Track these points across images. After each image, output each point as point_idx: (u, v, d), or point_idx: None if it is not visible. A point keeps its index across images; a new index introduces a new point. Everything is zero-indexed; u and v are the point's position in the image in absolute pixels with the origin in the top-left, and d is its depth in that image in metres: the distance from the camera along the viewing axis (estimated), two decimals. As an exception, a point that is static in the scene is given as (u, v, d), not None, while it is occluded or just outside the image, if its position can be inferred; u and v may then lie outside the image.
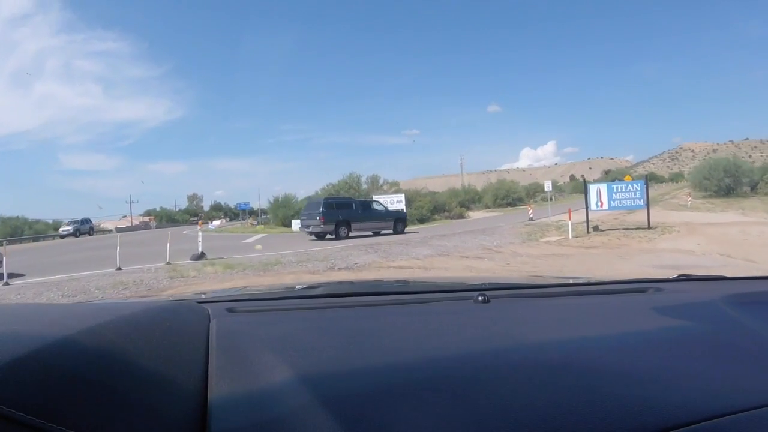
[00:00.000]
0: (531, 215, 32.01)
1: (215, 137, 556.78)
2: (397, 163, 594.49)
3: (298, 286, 2.68)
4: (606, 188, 21.67)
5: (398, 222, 29.37)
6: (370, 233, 27.87)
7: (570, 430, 0.83)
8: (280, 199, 51.39)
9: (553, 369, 1.07)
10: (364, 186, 47.68)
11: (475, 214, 50.11)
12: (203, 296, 2.04)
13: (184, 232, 17.75)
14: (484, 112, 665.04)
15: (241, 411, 0.86)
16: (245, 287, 4.20)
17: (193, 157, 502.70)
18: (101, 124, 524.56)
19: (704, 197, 46.50)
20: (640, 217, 24.73)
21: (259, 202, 73.47)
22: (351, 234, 26.59)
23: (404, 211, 34.45)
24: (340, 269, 13.17)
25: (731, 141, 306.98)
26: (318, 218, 25.78)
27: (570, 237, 19.27)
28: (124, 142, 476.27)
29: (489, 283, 2.31)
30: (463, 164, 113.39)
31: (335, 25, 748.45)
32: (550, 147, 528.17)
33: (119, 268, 15.65)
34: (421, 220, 42.53)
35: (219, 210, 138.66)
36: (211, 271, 13.48)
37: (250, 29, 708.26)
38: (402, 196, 39.83)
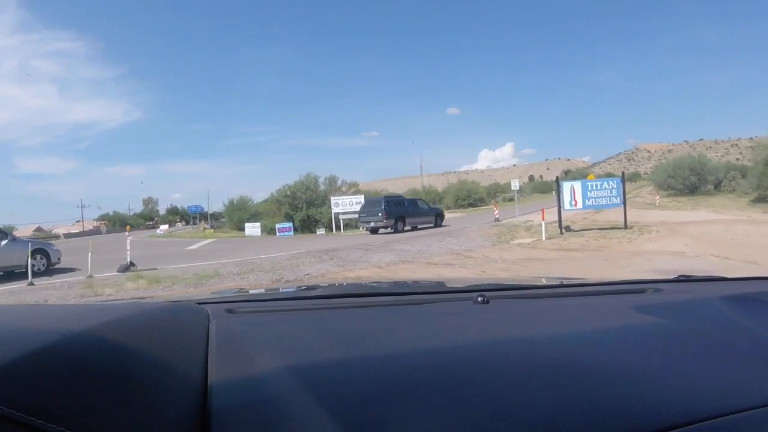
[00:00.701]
0: (497, 216, 30.52)
1: (173, 140, 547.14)
2: (357, 165, 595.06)
3: (297, 287, 2.73)
4: (580, 186, 20.28)
5: (438, 217, 32.15)
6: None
7: (569, 430, 0.82)
8: (235, 202, 49.54)
9: (552, 369, 1.07)
10: (322, 187, 45.71)
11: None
12: (203, 297, 2.03)
13: (130, 238, 16.69)
14: (443, 114, 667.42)
15: (241, 411, 0.85)
16: (245, 288, 4.05)
17: (151, 160, 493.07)
18: (57, 127, 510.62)
19: (669, 195, 46.57)
20: (610, 216, 24.19)
21: (209, 205, 70.83)
22: (405, 228, 29.18)
23: (440, 207, 37.52)
24: (287, 281, 11.68)
25: (686, 141, 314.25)
26: (380, 214, 28.37)
27: (543, 239, 18.06)
28: (81, 144, 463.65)
29: (489, 284, 2.29)
30: (422, 166, 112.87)
31: (295, 28, 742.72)
32: (508, 148, 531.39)
33: (31, 284, 13.81)
34: (382, 222, 40.88)
35: (175, 214, 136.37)
36: (132, 287, 11.80)
37: (208, 31, 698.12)
38: (361, 197, 38.11)
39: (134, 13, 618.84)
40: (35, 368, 0.66)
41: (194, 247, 27.40)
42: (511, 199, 38.38)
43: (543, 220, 18.74)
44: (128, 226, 18.11)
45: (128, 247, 16.82)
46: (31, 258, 15.42)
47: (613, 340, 1.31)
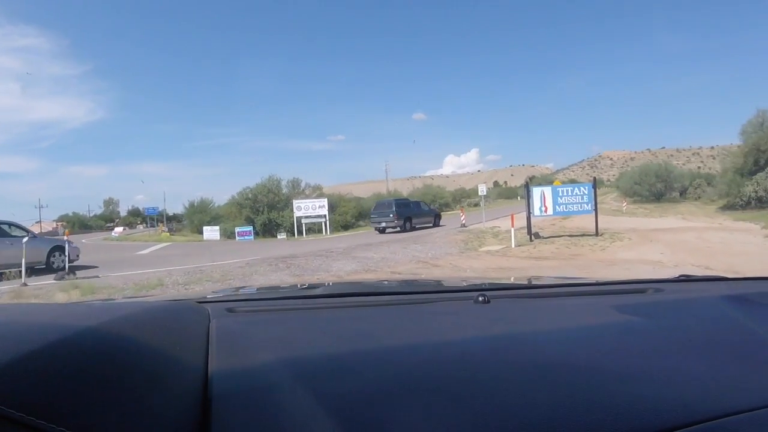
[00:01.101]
0: (463, 221, 29.78)
1: (137, 140, 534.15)
2: (323, 169, 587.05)
3: (298, 286, 2.80)
4: (551, 192, 19.51)
5: (436, 217, 34.58)
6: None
7: (569, 430, 0.83)
8: (196, 204, 48.12)
9: (552, 369, 1.07)
10: (285, 190, 44.52)
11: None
12: (203, 296, 2.03)
13: (83, 240, 15.74)
14: (409, 119, 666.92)
15: (241, 411, 0.85)
16: (245, 287, 4.23)
17: (114, 161, 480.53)
18: (19, 125, 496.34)
19: (635, 202, 46.80)
20: (578, 222, 23.83)
21: (165, 205, 68.94)
22: (411, 227, 31.00)
23: (437, 209, 40.38)
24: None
25: (648, 149, 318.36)
26: (392, 215, 30.34)
27: (513, 246, 17.29)
28: (43, 143, 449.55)
29: (489, 283, 2.30)
30: (388, 170, 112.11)
31: (261, 30, 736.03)
32: (473, 154, 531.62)
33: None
34: (346, 227, 40.36)
35: (137, 215, 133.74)
36: (63, 299, 10.53)
37: (173, 31, 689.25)
38: (324, 201, 37.63)
39: (99, 8, 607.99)
40: (35, 368, 0.66)
41: (146, 251, 26.15)
42: (476, 205, 38.15)
43: (513, 226, 18.03)
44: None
45: (67, 253, 15.73)
46: (51, 255, 17.16)
47: (614, 340, 1.31)
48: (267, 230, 39.54)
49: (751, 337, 1.32)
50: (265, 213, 40.64)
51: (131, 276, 14.36)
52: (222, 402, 0.87)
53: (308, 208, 37.09)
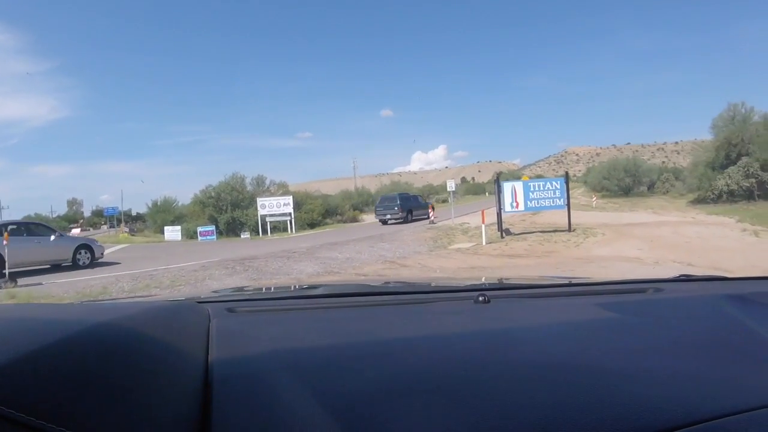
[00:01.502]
0: (432, 218, 29.07)
1: (103, 138, 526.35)
2: (291, 167, 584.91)
3: (298, 286, 2.87)
4: (522, 187, 18.95)
5: (421, 209, 36.00)
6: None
7: (570, 430, 0.83)
8: (159, 203, 46.70)
9: (553, 369, 1.07)
10: (249, 188, 43.36)
11: (370, 218, 46.98)
12: (203, 296, 2.02)
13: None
14: (377, 116, 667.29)
15: (241, 411, 0.85)
16: (245, 287, 3.79)
17: (79, 160, 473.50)
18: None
19: (603, 197, 46.72)
20: (549, 217, 23.38)
21: (122, 206, 67.02)
22: (411, 218, 33.78)
23: (429, 202, 41.82)
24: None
25: (614, 145, 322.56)
26: (396, 208, 33.36)
27: (484, 243, 16.65)
28: (6, 142, 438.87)
29: (489, 283, 2.42)
30: (356, 167, 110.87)
31: (229, 28, 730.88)
32: (441, 151, 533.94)
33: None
34: (312, 225, 39.36)
35: (101, 216, 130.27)
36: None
37: (140, 29, 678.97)
38: (289, 199, 36.63)
39: (64, 4, 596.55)
40: (35, 368, 0.66)
41: (101, 254, 24.72)
42: (444, 201, 38.29)
43: (483, 222, 17.37)
44: (6, 234, 15.65)
45: (6, 259, 14.53)
46: (77, 253, 18.24)
47: (614, 339, 1.31)
48: (231, 229, 38.38)
49: (751, 337, 1.31)
50: (229, 212, 39.58)
51: (77, 283, 13.47)
52: (222, 402, 0.87)
53: (273, 206, 36.19)
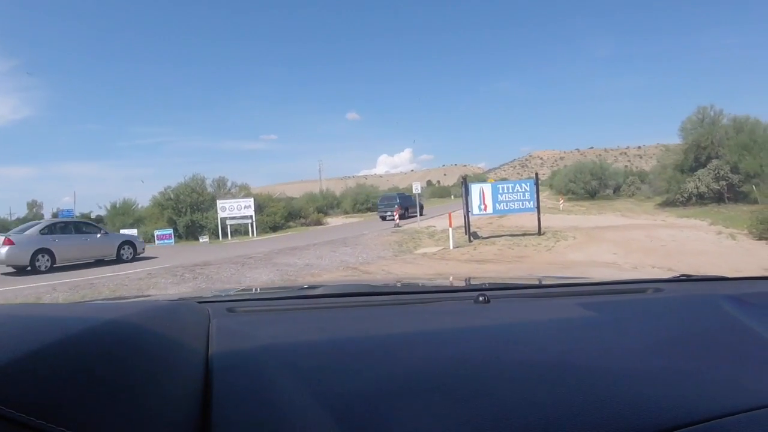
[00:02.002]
0: (397, 221, 28.35)
1: (65, 140, 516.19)
2: (256, 169, 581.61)
3: (297, 287, 2.68)
4: (490, 189, 18.27)
5: (421, 207, 38.19)
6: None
7: (570, 430, 0.83)
8: (118, 206, 44.99)
9: (553, 369, 1.08)
10: (210, 189, 41.96)
11: (334, 220, 46.46)
12: (203, 296, 2.01)
13: None
14: (343, 119, 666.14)
15: (241, 411, 0.86)
16: (245, 287, 4.23)
17: (40, 161, 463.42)
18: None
19: (570, 200, 46.70)
20: (516, 220, 23.14)
21: (75, 208, 64.62)
22: (408, 215, 37.80)
23: (420, 202, 43.75)
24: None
25: (577, 149, 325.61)
26: (396, 206, 35.69)
27: (451, 247, 16.03)
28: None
29: (489, 283, 2.32)
30: (321, 170, 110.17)
31: (195, 31, 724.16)
32: (406, 154, 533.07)
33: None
34: (275, 228, 38.13)
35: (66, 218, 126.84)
36: None
37: (102, 29, 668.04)
38: (250, 201, 35.53)
39: (26, 4, 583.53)
40: (35, 368, 0.66)
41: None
42: (418, 203, 38.85)
43: (450, 226, 16.63)
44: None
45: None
46: (121, 249, 19.94)
47: (614, 340, 1.31)
48: (191, 233, 36.98)
49: (750, 337, 1.31)
50: (188, 214, 38.02)
51: (13, 291, 12.66)
52: (222, 402, 0.86)
53: (233, 209, 34.99)
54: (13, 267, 17.30)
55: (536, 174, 19.02)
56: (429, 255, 14.98)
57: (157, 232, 34.23)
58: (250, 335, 1.25)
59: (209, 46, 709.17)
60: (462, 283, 2.64)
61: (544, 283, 2.42)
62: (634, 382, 1.01)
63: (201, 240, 33.35)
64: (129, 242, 20.71)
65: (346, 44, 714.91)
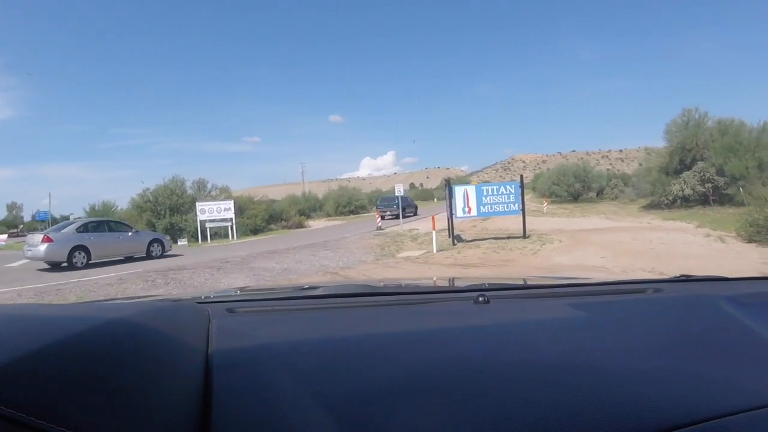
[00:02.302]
0: (380, 224, 27.96)
1: (46, 141, 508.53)
2: (239, 171, 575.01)
3: (297, 287, 2.68)
4: (475, 191, 17.89)
5: (416, 208, 46.14)
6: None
7: (570, 430, 0.83)
8: (97, 208, 44.20)
9: (552, 369, 1.08)
10: (190, 191, 41.24)
11: (317, 223, 45.85)
12: (203, 297, 2.04)
13: None
14: (326, 121, 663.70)
15: (242, 411, 0.86)
16: (245, 287, 4.25)
17: (20, 162, 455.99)
18: None
19: (553, 202, 46.77)
20: (500, 223, 22.96)
21: (50, 210, 63.50)
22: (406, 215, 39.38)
23: (415, 203, 50.93)
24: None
25: (559, 153, 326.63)
26: (395, 206, 38.39)
27: (434, 251, 15.60)
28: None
29: (489, 284, 2.24)
30: (304, 172, 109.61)
31: (176, 31, 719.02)
32: (389, 157, 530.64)
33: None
34: (255, 231, 37.46)
35: (43, 221, 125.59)
36: None
37: (84, 30, 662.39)
38: (230, 203, 34.93)
39: (4, 3, 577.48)
40: (35, 368, 0.66)
41: (16, 264, 22.44)
42: (399, 205, 39.38)
43: (434, 229, 16.20)
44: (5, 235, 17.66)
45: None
46: (150, 246, 21.38)
47: (614, 340, 1.31)
48: (170, 235, 36.16)
49: (750, 337, 1.31)
50: (168, 217, 37.33)
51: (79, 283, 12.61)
52: (222, 402, 0.87)
53: (213, 211, 34.38)
54: (49, 263, 18.44)
55: (521, 176, 18.59)
56: (412, 259, 14.58)
57: (133, 235, 33.57)
58: (250, 335, 1.26)
59: (192, 47, 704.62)
60: (462, 283, 2.60)
61: (544, 283, 2.42)
62: (634, 382, 1.02)
63: (179, 243, 32.63)
64: (158, 240, 22.20)
65: (329, 46, 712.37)
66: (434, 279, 5.29)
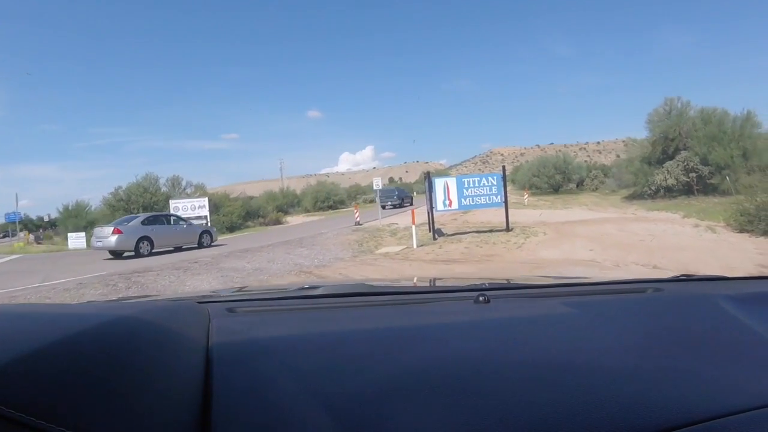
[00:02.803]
0: (358, 219, 27.38)
1: (21, 141, 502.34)
2: (218, 169, 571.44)
3: (297, 287, 2.54)
4: (456, 183, 17.17)
5: (411, 199, 50.36)
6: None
7: (570, 430, 0.84)
8: (70, 208, 42.96)
9: (552, 369, 1.08)
10: (164, 189, 40.34)
11: (295, 219, 45.18)
12: (203, 296, 2.02)
13: None
14: (304, 117, 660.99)
15: (242, 411, 0.86)
16: (245, 287, 3.94)
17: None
18: None
19: (534, 194, 46.45)
20: (481, 216, 22.44)
21: (16, 210, 61.85)
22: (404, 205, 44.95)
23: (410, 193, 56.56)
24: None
25: (537, 145, 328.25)
26: (395, 197, 45.15)
27: (415, 246, 14.95)
28: None
29: (489, 283, 2.24)
30: (282, 168, 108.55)
31: (153, 29, 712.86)
32: (368, 152, 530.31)
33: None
34: (232, 228, 36.60)
35: (12, 222, 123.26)
36: None
37: (57, 29, 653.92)
38: (205, 201, 34.09)
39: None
40: (35, 368, 0.66)
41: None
42: (372, 201, 38.89)
43: (414, 223, 15.56)
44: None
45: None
46: (201, 237, 23.65)
47: (614, 339, 1.31)
48: (144, 234, 35.28)
49: (751, 337, 1.31)
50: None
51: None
52: (222, 401, 0.87)
53: (187, 209, 33.22)
54: (113, 253, 20.81)
55: (503, 167, 17.96)
56: (391, 255, 13.93)
57: (100, 234, 32.51)
58: (250, 335, 1.25)
59: (169, 45, 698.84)
60: (462, 283, 2.57)
61: (544, 283, 2.40)
62: (634, 382, 1.01)
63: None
64: (207, 232, 24.65)
65: (305, 43, 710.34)
66: (434, 278, 4.81)
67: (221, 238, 28.75)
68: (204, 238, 23.70)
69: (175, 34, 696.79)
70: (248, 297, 2.15)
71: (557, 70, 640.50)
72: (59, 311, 1.11)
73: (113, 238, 19.95)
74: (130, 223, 21.19)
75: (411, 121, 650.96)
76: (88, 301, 2.58)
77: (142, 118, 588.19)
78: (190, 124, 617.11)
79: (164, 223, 22.57)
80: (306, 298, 2.02)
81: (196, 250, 21.32)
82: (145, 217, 22.41)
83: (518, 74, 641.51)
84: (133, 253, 20.13)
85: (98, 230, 21.39)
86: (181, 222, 23.69)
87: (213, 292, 2.54)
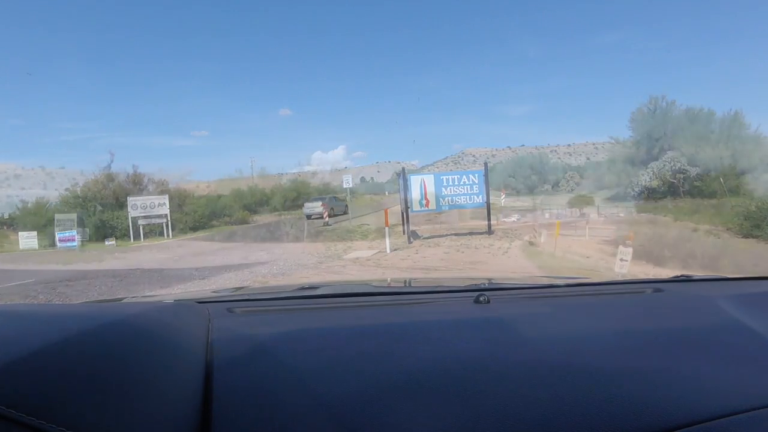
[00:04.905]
0: (326, 219, 25.88)
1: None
2: (187, 166, 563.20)
3: (297, 287, 2.54)
4: (434, 181, 15.80)
5: (346, 207, 40.39)
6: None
7: (570, 429, 0.84)
8: (30, 205, 40.72)
9: (553, 369, 1.08)
10: (125, 186, 38.10)
11: (263, 219, 43.27)
12: (203, 296, 2.00)
13: None
14: (276, 115, 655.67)
15: (242, 411, 0.87)
16: (245, 287, 4.05)
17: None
18: None
19: (509, 195, 45.16)
20: (458, 216, 20.70)
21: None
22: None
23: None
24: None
25: (509, 147, 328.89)
26: (329, 205, 38.49)
27: (388, 251, 13.45)
28: None
29: (489, 283, 2.29)
30: (253, 166, 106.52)
31: (121, 23, 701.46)
32: (340, 151, 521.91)
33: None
34: (195, 228, 34.65)
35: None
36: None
37: (26, 22, 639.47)
38: (165, 198, 32.08)
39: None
40: (35, 368, 0.67)
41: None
42: (347, 197, 36.93)
43: (387, 225, 14.03)
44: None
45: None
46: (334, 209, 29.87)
47: (614, 340, 1.31)
48: (101, 234, 33.13)
49: (751, 337, 1.30)
50: (96, 214, 34.08)
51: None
52: (222, 401, 0.87)
53: (146, 207, 31.54)
54: (314, 217, 28.28)
55: (485, 164, 16.56)
56: (362, 261, 12.52)
57: (58, 234, 30.24)
58: (250, 335, 1.25)
59: (137, 40, 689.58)
60: (462, 283, 2.50)
61: (544, 283, 2.38)
62: (634, 382, 1.01)
63: (107, 243, 29.73)
64: (340, 204, 34.97)
65: (275, 40, 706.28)
66: (434, 278, 5.11)
67: (179, 239, 27.84)
68: (332, 211, 33.91)
69: (143, 28, 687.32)
70: (248, 297, 2.07)
71: (526, 71, 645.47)
72: (59, 311, 1.11)
73: (321, 209, 31.55)
74: (324, 201, 33.87)
75: (383, 120, 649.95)
76: (87, 302, 2.52)
77: (108, 113, 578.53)
78: (160, 120, 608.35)
79: (336, 201, 35.37)
80: (306, 298, 1.97)
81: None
82: (327, 197, 35.61)
83: (486, 75, 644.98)
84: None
85: (307, 206, 34.70)
86: (342, 201, 35.27)
87: (213, 292, 2.44)
